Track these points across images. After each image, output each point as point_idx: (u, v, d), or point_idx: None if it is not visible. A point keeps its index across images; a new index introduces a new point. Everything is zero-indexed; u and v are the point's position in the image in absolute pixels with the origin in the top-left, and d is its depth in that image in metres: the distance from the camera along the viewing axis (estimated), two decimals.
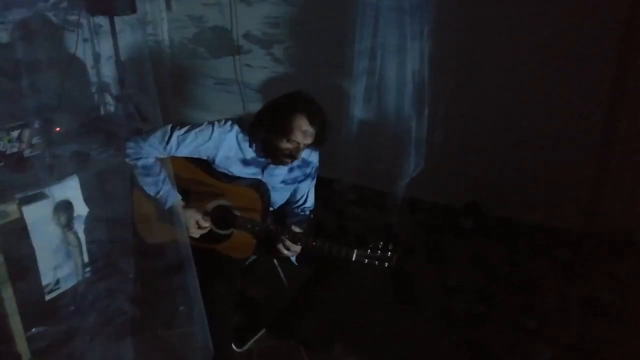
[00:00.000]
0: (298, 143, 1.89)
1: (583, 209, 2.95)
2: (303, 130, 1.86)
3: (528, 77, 2.87)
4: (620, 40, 2.61)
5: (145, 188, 1.93)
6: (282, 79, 3.58)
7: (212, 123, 1.96)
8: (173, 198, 1.91)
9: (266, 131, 1.91)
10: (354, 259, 1.84)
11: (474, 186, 3.17)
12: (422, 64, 2.90)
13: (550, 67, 2.79)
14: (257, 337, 2.23)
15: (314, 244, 1.87)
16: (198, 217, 1.95)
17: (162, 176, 1.92)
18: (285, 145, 1.90)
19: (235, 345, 2.13)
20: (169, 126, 1.94)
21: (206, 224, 1.97)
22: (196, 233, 1.96)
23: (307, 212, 2.16)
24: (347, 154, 3.12)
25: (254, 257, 2.16)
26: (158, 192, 1.92)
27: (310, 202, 2.17)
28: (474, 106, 3.03)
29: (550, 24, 2.72)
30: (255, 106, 3.71)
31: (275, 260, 2.26)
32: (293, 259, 2.06)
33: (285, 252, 1.92)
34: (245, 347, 2.17)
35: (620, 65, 2.65)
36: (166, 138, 1.91)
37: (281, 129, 1.87)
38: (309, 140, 1.90)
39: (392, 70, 2.98)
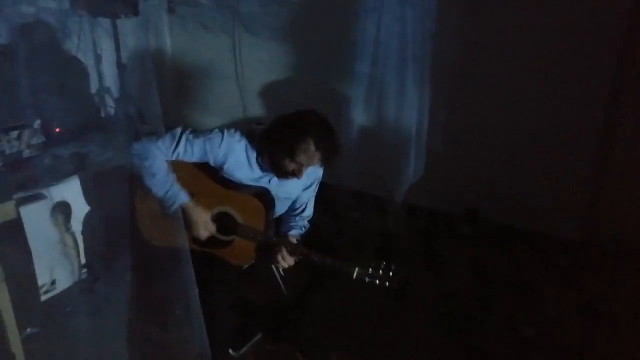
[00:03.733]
0: (302, 164, 1.88)
1: (582, 217, 2.95)
2: (309, 153, 1.85)
3: (527, 85, 2.87)
4: (619, 48, 2.61)
5: (153, 189, 1.87)
6: (283, 82, 3.58)
7: (222, 131, 1.96)
8: (182, 199, 1.87)
9: (272, 148, 1.91)
10: (354, 277, 1.84)
11: (473, 193, 3.16)
12: (423, 70, 2.91)
13: (549, 75, 2.79)
14: (253, 341, 2.21)
15: (315, 259, 1.86)
16: (207, 217, 1.93)
17: (170, 177, 1.89)
18: (289, 164, 1.89)
19: (231, 349, 2.11)
20: (178, 130, 1.92)
21: (213, 226, 1.95)
22: (203, 234, 1.94)
23: (305, 222, 2.16)
24: (347, 159, 3.12)
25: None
26: (166, 193, 1.87)
27: (309, 211, 2.18)
28: (473, 113, 3.03)
29: (548, 33, 2.72)
30: (255, 109, 3.75)
31: (272, 265, 2.25)
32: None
33: (283, 263, 1.91)
34: (242, 352, 2.16)
35: (619, 73, 2.65)
36: (175, 142, 1.90)
37: (286, 149, 1.86)
38: (313, 163, 1.89)
39: (392, 75, 2.98)
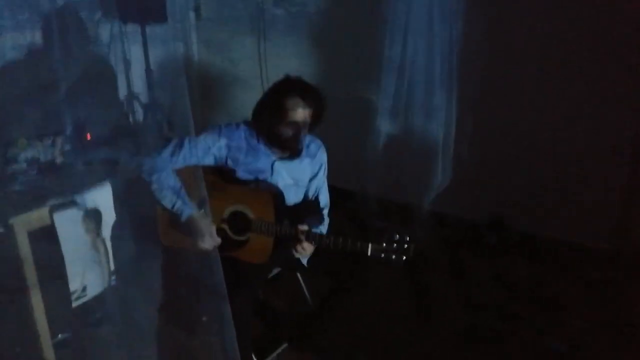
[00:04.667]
0: (297, 123, 1.90)
1: (613, 226, 2.88)
2: (298, 108, 1.89)
3: (555, 90, 2.82)
4: None
5: (162, 202, 1.94)
6: None
7: (219, 125, 2.03)
8: (188, 211, 1.91)
9: (265, 119, 1.96)
10: (369, 253, 1.80)
11: (499, 201, 3.11)
12: (450, 78, 2.88)
13: (579, 82, 2.74)
14: (278, 350, 2.21)
15: (327, 241, 1.85)
16: (212, 229, 1.93)
17: (176, 189, 1.93)
18: (285, 129, 1.92)
19: (255, 357, 2.12)
20: (178, 137, 1.98)
21: (218, 239, 1.93)
22: (209, 245, 1.92)
23: (321, 212, 2.15)
24: (372, 167, 3.11)
25: (277, 270, 2.15)
26: (174, 205, 1.93)
27: (324, 200, 2.17)
28: (499, 120, 2.99)
29: (579, 37, 2.67)
30: None
31: (298, 274, 2.25)
32: (304, 260, 2.05)
33: (300, 251, 1.89)
34: None
35: None
36: (177, 147, 1.96)
37: (277, 113, 1.90)
38: (307, 117, 1.92)
39: (419, 83, 2.96)
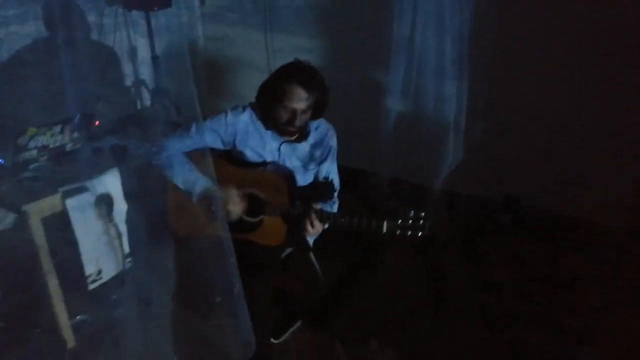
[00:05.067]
0: (294, 108, 1.89)
1: (629, 205, 2.82)
2: (294, 95, 1.87)
3: (571, 66, 2.75)
4: None
5: (174, 179, 1.96)
6: (319, 68, 3.54)
7: (225, 110, 2.03)
8: (201, 182, 1.91)
9: (265, 100, 1.96)
10: (384, 230, 1.79)
11: (514, 179, 3.07)
12: (462, 55, 2.83)
13: (593, 58, 2.67)
14: (293, 328, 2.23)
15: (342, 220, 1.84)
16: (233, 193, 1.95)
17: (186, 165, 1.97)
18: (282, 112, 1.91)
19: (272, 337, 2.14)
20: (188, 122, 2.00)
21: (241, 202, 1.95)
22: (234, 209, 1.94)
23: (332, 193, 2.14)
24: (383, 145, 3.08)
25: (290, 250, 2.16)
26: (186, 180, 1.94)
27: (334, 184, 2.15)
28: (514, 96, 2.93)
29: (593, 13, 2.60)
30: None
31: (311, 254, 2.26)
32: (311, 240, 2.06)
33: (311, 230, 1.88)
34: (282, 339, 2.18)
35: None
36: (186, 132, 1.98)
37: (275, 96, 1.90)
38: (303, 105, 1.89)
39: (429, 63, 2.92)
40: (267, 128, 2.02)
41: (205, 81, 4.05)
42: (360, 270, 2.05)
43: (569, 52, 2.73)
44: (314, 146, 2.08)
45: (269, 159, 2.03)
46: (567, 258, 2.74)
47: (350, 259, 2.05)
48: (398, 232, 1.79)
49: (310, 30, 3.52)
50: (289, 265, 2.24)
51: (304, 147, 2.06)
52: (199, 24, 4.02)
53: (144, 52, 3.30)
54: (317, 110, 1.98)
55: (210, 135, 2.00)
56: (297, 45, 3.58)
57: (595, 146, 2.82)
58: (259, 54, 3.76)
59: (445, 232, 2.93)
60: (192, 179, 1.94)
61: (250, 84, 3.83)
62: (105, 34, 3.11)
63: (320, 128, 2.08)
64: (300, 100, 1.88)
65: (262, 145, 2.02)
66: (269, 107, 1.95)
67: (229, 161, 2.04)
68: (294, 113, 1.91)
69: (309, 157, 2.08)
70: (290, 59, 2.00)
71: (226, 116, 2.01)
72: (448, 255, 2.77)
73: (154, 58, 3.21)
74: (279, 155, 2.03)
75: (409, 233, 1.78)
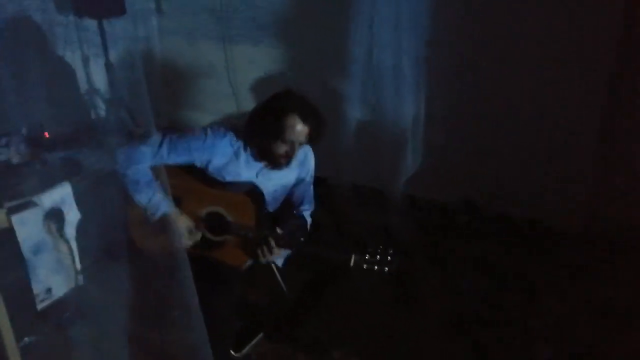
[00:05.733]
0: (293, 142, 1.87)
1: (582, 207, 2.92)
2: (296, 129, 1.84)
3: (526, 73, 2.83)
4: (620, 37, 2.57)
5: (135, 196, 1.87)
6: (277, 77, 3.54)
7: (204, 129, 1.94)
8: (165, 208, 1.86)
9: (259, 134, 1.90)
10: (352, 264, 1.79)
11: (472, 183, 3.14)
12: (419, 61, 2.88)
13: (549, 64, 2.75)
14: (254, 341, 2.19)
15: (309, 249, 1.83)
16: (190, 224, 1.92)
17: (153, 184, 1.88)
18: (280, 146, 1.87)
19: (232, 350, 2.09)
20: (160, 133, 1.89)
21: (198, 234, 1.92)
22: (187, 242, 1.92)
23: (305, 214, 2.13)
24: (344, 153, 3.10)
25: (252, 262, 2.13)
26: (149, 201, 1.86)
27: (308, 204, 2.14)
28: (471, 102, 2.99)
29: (549, 24, 2.69)
30: (249, 105, 3.68)
31: (273, 265, 2.23)
32: (280, 261, 2.03)
33: (267, 256, 1.85)
34: (243, 352, 2.14)
35: (619, 63, 2.61)
36: (157, 145, 1.87)
37: (274, 131, 1.85)
38: (303, 138, 1.88)
39: (388, 69, 2.95)
40: (250, 155, 1.96)
41: (162, 89, 3.96)
42: (323, 280, 2.03)
43: (525, 60, 2.81)
44: (293, 170, 2.05)
45: (243, 180, 1.99)
46: (524, 259, 2.80)
47: (312, 269, 2.03)
48: (365, 266, 1.77)
49: (270, 40, 3.51)
50: (250, 277, 2.21)
51: (283, 172, 2.02)
52: (155, 32, 3.94)
53: (97, 61, 3.21)
54: (311, 139, 1.93)
55: (185, 154, 1.91)
56: (254, 52, 3.56)
57: (550, 151, 2.91)
58: (217, 60, 3.72)
59: (407, 237, 2.97)
60: (155, 203, 1.86)
61: (209, 90, 3.83)
62: (55, 42, 3.01)
63: (301, 151, 2.01)
64: (300, 133, 1.85)
65: (238, 172, 1.97)
66: (264, 140, 1.89)
67: (195, 176, 1.97)
68: (292, 146, 1.88)
69: (285, 181, 2.07)
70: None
71: (205, 137, 1.91)
72: (410, 259, 2.79)
73: (108, 67, 3.12)
74: (256, 181, 2.00)
75: (376, 267, 1.77)
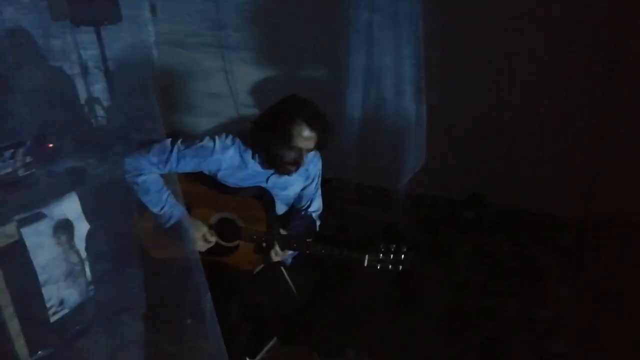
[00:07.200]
0: (300, 149, 1.86)
1: (583, 195, 2.94)
2: (304, 135, 1.83)
3: (526, 66, 2.85)
4: (614, 27, 2.60)
5: (148, 205, 1.87)
6: (277, 79, 3.53)
7: (213, 138, 1.92)
8: (178, 213, 1.85)
9: (267, 141, 1.88)
10: (365, 264, 1.79)
11: (474, 178, 3.16)
12: (420, 59, 2.88)
13: (547, 55, 2.78)
14: (268, 346, 2.19)
15: (322, 251, 1.83)
16: (204, 230, 1.91)
17: (164, 192, 1.87)
18: (288, 153, 1.87)
19: (247, 356, 2.09)
20: (169, 141, 1.87)
21: (212, 237, 1.93)
22: (203, 247, 1.92)
23: (313, 216, 2.13)
24: (347, 152, 3.10)
25: (262, 266, 2.13)
26: (162, 209, 1.86)
27: (316, 206, 2.14)
28: (472, 98, 3.01)
29: (547, 13, 2.71)
30: (248, 109, 3.69)
31: (282, 268, 2.23)
32: (288, 260, 2.03)
33: (275, 257, 1.87)
34: (258, 358, 2.13)
35: (615, 51, 2.64)
36: (166, 154, 1.85)
37: (281, 138, 1.84)
38: (311, 145, 1.87)
39: (389, 66, 2.96)
40: (258, 162, 1.95)
41: (161, 93, 3.94)
42: (333, 281, 2.03)
43: (525, 52, 2.83)
44: (302, 174, 2.04)
45: (253, 185, 1.98)
46: (529, 250, 2.84)
47: (321, 271, 2.03)
48: (379, 266, 1.77)
49: (269, 41, 3.50)
50: (261, 281, 2.20)
51: (293, 177, 2.01)
52: (152, 37, 3.92)
53: (96, 69, 3.18)
54: (318, 145, 1.92)
55: (194, 163, 1.89)
56: (253, 55, 3.55)
57: (549, 142, 2.94)
58: (215, 62, 3.70)
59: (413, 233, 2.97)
60: (168, 210, 1.86)
61: (208, 93, 3.81)
62: (53, 51, 2.98)
63: (309, 155, 1.99)
64: (308, 140, 1.84)
65: (248, 178, 1.97)
66: (271, 147, 1.88)
67: (208, 184, 1.97)
68: (300, 153, 1.87)
69: (294, 186, 2.06)
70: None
71: (214, 147, 1.90)
72: (416, 256, 2.79)
73: (107, 74, 3.09)
74: (266, 186, 1.99)
75: (390, 267, 1.77)
